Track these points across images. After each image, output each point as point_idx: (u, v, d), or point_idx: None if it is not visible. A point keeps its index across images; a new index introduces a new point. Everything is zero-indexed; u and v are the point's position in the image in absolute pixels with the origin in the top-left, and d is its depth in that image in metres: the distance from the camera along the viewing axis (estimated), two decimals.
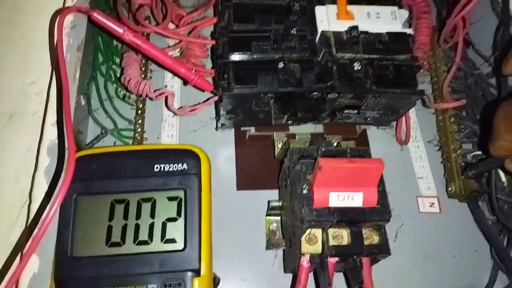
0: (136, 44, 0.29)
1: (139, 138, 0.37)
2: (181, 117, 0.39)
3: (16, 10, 0.35)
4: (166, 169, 0.28)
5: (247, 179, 0.38)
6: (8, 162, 0.30)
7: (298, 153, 0.30)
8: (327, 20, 0.33)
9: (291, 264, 0.31)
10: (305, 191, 0.28)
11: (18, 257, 0.25)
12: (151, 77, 0.40)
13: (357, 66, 0.32)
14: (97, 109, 0.38)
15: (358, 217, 0.27)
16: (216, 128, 0.38)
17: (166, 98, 0.35)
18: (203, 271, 0.26)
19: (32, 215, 0.26)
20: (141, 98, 0.38)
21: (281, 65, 0.31)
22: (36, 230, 0.22)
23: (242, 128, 0.38)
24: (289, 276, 0.34)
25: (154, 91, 0.34)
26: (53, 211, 0.20)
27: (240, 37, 0.32)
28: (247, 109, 0.34)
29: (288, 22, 0.33)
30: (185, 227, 0.27)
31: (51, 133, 0.28)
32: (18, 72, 0.33)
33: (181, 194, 0.28)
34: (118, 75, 0.39)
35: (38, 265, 0.25)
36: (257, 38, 0.32)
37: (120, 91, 0.39)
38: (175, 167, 0.28)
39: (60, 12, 0.27)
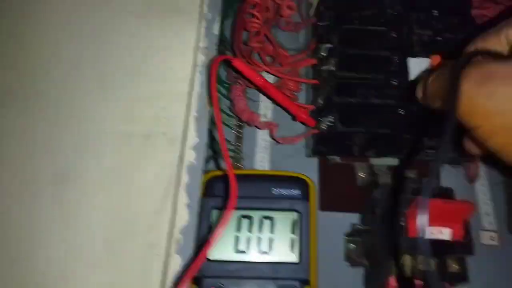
0: (265, 86, 0.35)
1: (239, 158, 0.43)
2: (272, 142, 0.45)
3: (146, 48, 0.41)
4: (282, 193, 0.34)
5: (329, 201, 0.43)
6: (145, 175, 0.35)
7: (390, 188, 0.35)
8: (420, 70, 0.38)
9: (377, 283, 0.36)
10: (402, 223, 0.32)
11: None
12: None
13: None
14: None
15: (446, 249, 0.32)
16: (306, 155, 0.43)
17: (271, 128, 0.40)
18: (312, 281, 0.32)
19: (177, 223, 0.32)
20: (241, 124, 0.44)
21: (383, 110, 0.36)
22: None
23: (328, 157, 0.43)
24: None
25: (260, 122, 0.40)
26: (222, 228, 0.26)
27: (345, 83, 0.38)
28: (342, 143, 0.39)
29: (387, 72, 0.38)
30: (299, 244, 0.32)
31: (190, 155, 0.34)
32: (150, 98, 0.39)
33: (295, 215, 0.33)
34: (221, 102, 0.45)
35: (179, 264, 0.30)
36: (360, 84, 0.38)
37: (224, 117, 0.44)
38: (290, 192, 0.34)
39: (214, 59, 0.32)
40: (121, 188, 0.35)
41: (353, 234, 0.40)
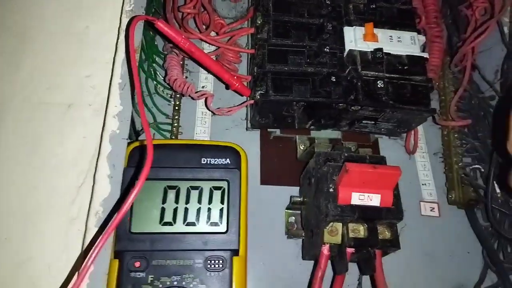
0: (190, 50, 0.33)
1: (175, 131, 0.41)
2: (213, 115, 0.43)
3: (70, 9, 0.38)
4: (212, 162, 0.32)
5: (270, 175, 0.42)
6: (67, 147, 0.33)
7: (324, 157, 0.35)
8: (355, 40, 0.38)
9: (311, 252, 0.35)
10: (331, 190, 0.32)
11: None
12: (186, 77, 0.44)
13: (380, 84, 0.36)
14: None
15: (375, 215, 0.32)
16: (247, 128, 0.42)
17: (206, 98, 0.39)
18: (241, 251, 0.30)
19: (96, 194, 0.30)
20: (178, 96, 0.42)
21: (316, 77, 0.36)
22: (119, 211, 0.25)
23: (268, 130, 0.42)
24: (304, 262, 0.38)
25: (196, 92, 0.38)
26: (132, 197, 0.24)
27: (278, 50, 0.36)
28: (278, 113, 0.38)
29: (321, 40, 0.37)
30: (227, 213, 0.31)
31: (112, 124, 0.32)
32: (74, 66, 0.36)
33: (224, 185, 0.32)
34: (158, 73, 0.43)
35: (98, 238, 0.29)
36: (293, 52, 0.37)
37: (161, 89, 0.42)
38: (220, 161, 0.32)
39: (133, 19, 0.30)
40: (41, 160, 0.32)
41: (292, 207, 0.39)
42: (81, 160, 0.33)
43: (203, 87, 0.44)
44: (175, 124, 0.41)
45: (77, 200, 0.32)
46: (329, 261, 0.36)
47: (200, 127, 0.43)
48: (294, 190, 0.41)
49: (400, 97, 0.37)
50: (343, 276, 0.33)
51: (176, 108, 0.42)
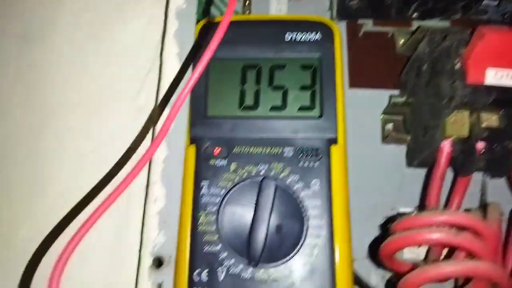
0: None
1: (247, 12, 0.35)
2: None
3: None
4: (298, 38, 0.26)
5: (361, 76, 0.35)
6: (131, 32, 0.29)
7: (441, 33, 0.27)
8: None
9: (423, 154, 0.28)
10: (457, 67, 0.25)
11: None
12: None
13: None
14: None
15: None
16: (332, 17, 0.35)
17: None
18: (339, 140, 0.25)
19: (164, 75, 0.25)
20: None
21: None
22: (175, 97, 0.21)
23: (359, 22, 0.35)
24: (408, 170, 0.31)
25: None
26: (196, 76, 0.20)
27: None
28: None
29: None
30: (320, 96, 0.25)
31: None
32: None
33: (315, 62, 0.26)
34: None
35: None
36: None
37: None
38: (308, 36, 0.26)
39: None
40: (103, 47, 0.28)
41: (391, 110, 0.33)
42: (147, 45, 0.29)
43: None
44: (247, 12, 0.35)
45: (145, 88, 0.28)
46: None
47: (275, 10, 0.36)
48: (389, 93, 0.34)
49: None
50: (469, 179, 0.26)
51: None
